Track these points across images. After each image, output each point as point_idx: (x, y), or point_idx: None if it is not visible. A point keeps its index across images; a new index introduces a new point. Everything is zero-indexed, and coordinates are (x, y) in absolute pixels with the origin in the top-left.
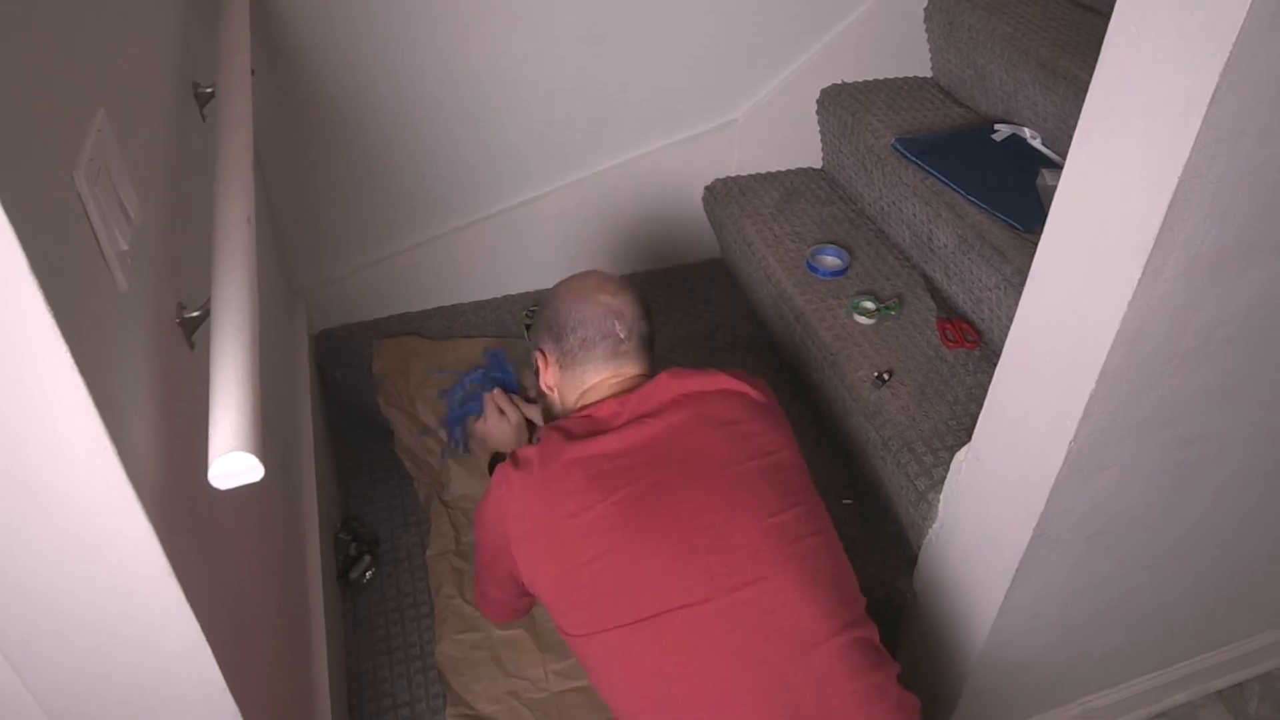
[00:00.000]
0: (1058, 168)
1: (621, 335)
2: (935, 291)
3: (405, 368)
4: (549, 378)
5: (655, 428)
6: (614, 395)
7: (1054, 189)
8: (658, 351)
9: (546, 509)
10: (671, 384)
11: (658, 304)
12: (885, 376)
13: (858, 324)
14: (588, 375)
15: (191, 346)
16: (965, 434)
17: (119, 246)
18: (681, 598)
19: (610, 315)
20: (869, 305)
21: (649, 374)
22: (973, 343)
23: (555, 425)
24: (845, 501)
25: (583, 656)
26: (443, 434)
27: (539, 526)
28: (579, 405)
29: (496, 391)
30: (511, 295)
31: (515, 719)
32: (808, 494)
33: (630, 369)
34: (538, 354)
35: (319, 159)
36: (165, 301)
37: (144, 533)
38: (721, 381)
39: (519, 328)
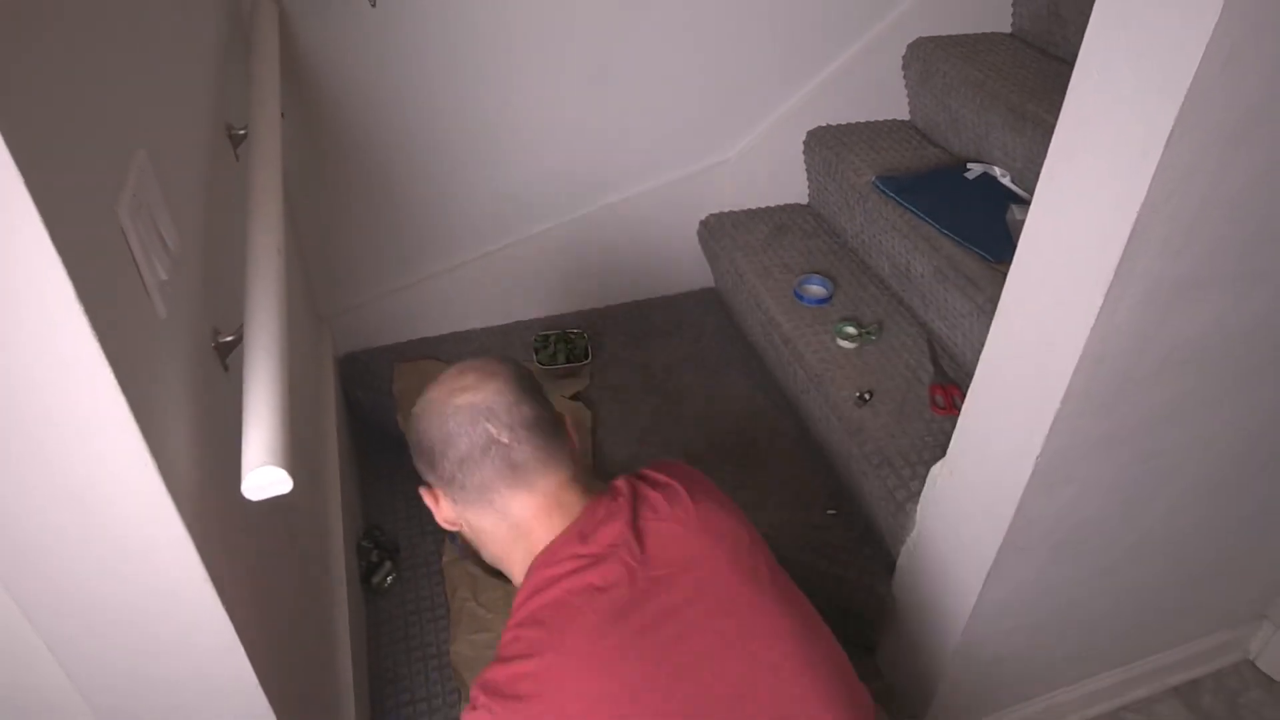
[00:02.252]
0: (1025, 204)
1: (504, 439)
2: (935, 357)
3: (423, 388)
4: (444, 511)
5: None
6: (566, 540)
7: (1022, 223)
8: (656, 374)
9: None
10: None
11: (657, 330)
12: (866, 396)
13: (841, 348)
14: (508, 503)
15: (226, 369)
16: (940, 450)
17: (159, 276)
18: None
19: (478, 417)
20: (851, 330)
21: (578, 478)
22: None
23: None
24: (830, 512)
25: None
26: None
27: None
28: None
29: None
30: (521, 321)
31: None
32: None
33: (549, 479)
34: (421, 490)
35: (343, 195)
36: (201, 327)
37: (181, 540)
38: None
39: (528, 352)
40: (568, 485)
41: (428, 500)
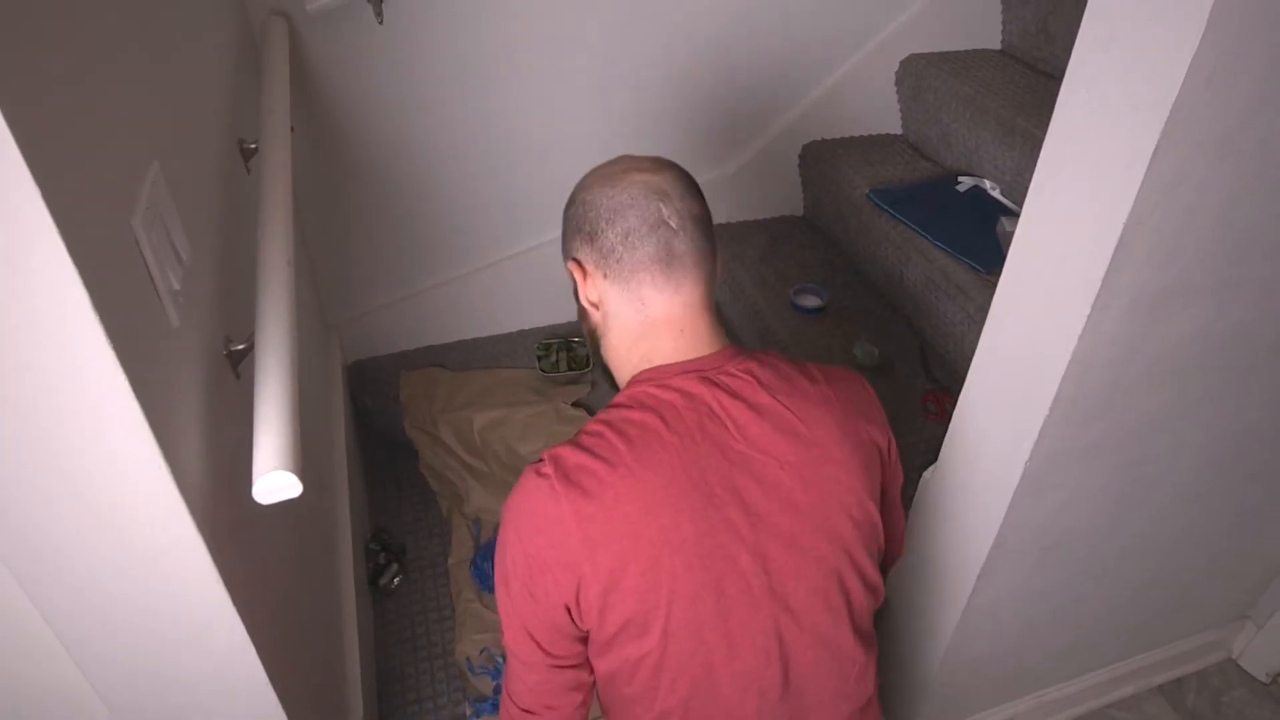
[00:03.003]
0: (1015, 216)
1: (673, 224)
2: (928, 364)
3: (430, 394)
4: (589, 289)
5: None
6: (681, 368)
7: (1011, 235)
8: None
9: None
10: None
11: None
12: None
13: (836, 355)
14: (652, 295)
15: (237, 376)
16: (932, 455)
17: (172, 286)
18: None
19: (651, 195)
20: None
21: (715, 314)
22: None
23: None
24: None
25: None
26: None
27: None
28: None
29: None
30: (525, 330)
31: None
32: None
33: (696, 290)
34: (570, 265)
35: (351, 207)
36: (213, 335)
37: (194, 543)
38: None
39: (532, 359)
40: (705, 311)
41: (575, 274)
